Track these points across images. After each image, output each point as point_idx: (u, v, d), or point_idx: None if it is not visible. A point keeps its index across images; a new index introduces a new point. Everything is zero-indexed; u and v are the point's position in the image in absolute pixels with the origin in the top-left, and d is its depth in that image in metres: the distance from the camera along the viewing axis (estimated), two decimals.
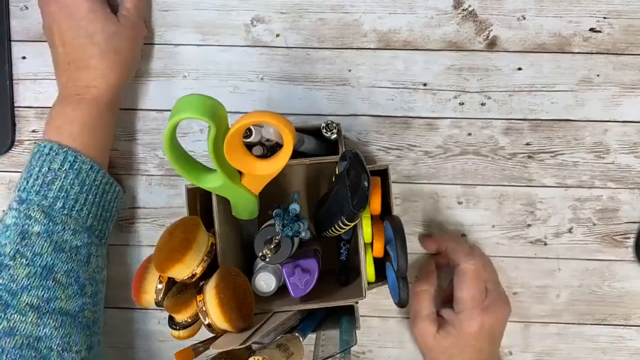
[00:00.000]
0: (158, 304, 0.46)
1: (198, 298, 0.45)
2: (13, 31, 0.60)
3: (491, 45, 0.59)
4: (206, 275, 0.46)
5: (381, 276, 0.53)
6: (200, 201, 0.52)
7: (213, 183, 0.44)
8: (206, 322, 0.45)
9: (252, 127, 0.46)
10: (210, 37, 0.59)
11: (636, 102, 0.59)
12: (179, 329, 0.47)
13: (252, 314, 0.46)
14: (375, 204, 0.50)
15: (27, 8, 0.59)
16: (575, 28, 0.58)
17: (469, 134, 0.59)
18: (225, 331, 0.45)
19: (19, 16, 0.60)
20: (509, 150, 0.59)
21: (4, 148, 0.60)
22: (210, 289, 0.44)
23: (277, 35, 0.59)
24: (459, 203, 0.60)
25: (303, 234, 0.49)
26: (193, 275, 0.45)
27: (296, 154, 0.45)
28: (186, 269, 0.44)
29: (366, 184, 0.43)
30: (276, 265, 0.50)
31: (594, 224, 0.60)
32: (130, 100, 0.60)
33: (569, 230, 0.60)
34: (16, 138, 0.60)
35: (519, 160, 0.59)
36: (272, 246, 0.47)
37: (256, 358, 0.41)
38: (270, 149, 0.49)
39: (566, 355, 0.61)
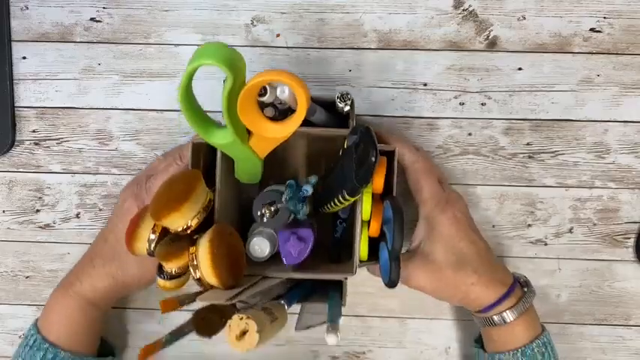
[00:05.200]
0: (150, 253, 0.46)
1: (191, 250, 0.44)
2: (14, 31, 0.60)
3: (492, 45, 0.59)
4: (200, 230, 0.46)
5: (373, 257, 0.52)
6: (204, 160, 0.51)
7: (222, 139, 0.44)
8: (196, 276, 0.44)
9: (267, 87, 0.45)
10: (210, 37, 0.59)
11: (636, 102, 0.59)
12: (167, 279, 0.46)
13: (242, 274, 0.46)
14: (379, 182, 0.50)
15: (27, 8, 0.59)
16: (576, 28, 0.58)
17: (469, 134, 0.59)
18: (212, 287, 0.45)
19: (20, 16, 0.60)
20: (509, 150, 0.59)
21: (4, 148, 0.60)
22: (204, 243, 0.44)
23: (277, 35, 0.59)
24: None
25: (299, 216, 0.48)
26: (188, 227, 0.45)
27: (305, 123, 0.44)
28: (181, 220, 0.44)
29: (373, 159, 0.43)
30: (271, 232, 0.50)
31: (595, 224, 0.60)
32: (130, 100, 0.60)
33: (570, 230, 0.60)
34: (16, 138, 0.60)
35: (520, 160, 0.59)
36: (272, 209, 0.47)
37: (241, 316, 0.41)
38: (282, 113, 0.48)
39: (566, 355, 0.61)
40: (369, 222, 0.51)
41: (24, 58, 0.60)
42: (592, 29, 0.58)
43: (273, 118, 0.46)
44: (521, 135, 0.59)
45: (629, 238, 0.60)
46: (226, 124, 0.42)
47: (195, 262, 0.44)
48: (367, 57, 0.59)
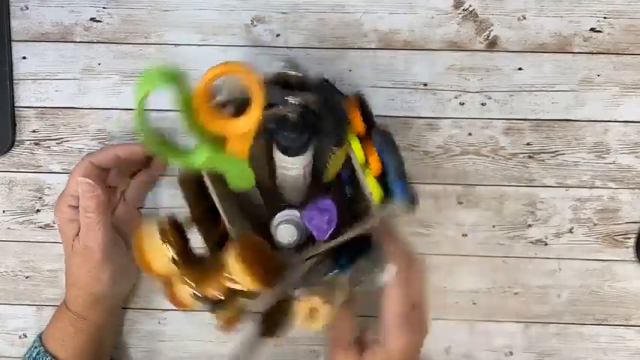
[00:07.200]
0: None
1: (223, 272, 0.45)
2: (14, 31, 0.60)
3: (492, 45, 0.59)
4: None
5: (387, 199, 0.50)
6: (197, 193, 0.51)
7: (201, 157, 0.42)
8: (238, 288, 0.44)
9: (218, 85, 0.43)
10: (210, 37, 0.59)
11: (637, 102, 0.59)
12: (217, 308, 0.46)
13: (276, 267, 0.46)
14: (357, 122, 0.48)
15: (27, 8, 0.59)
16: (576, 28, 0.58)
17: (469, 134, 0.59)
18: (258, 294, 0.45)
19: (20, 16, 0.60)
20: (509, 150, 0.59)
21: (4, 148, 0.60)
22: (232, 258, 0.44)
23: (277, 35, 0.59)
24: (459, 203, 0.60)
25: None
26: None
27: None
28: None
29: (342, 108, 0.45)
30: (294, 216, 0.50)
31: (595, 224, 0.60)
32: (130, 100, 0.60)
33: (570, 230, 0.60)
34: (16, 138, 0.60)
35: (520, 160, 0.59)
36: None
37: (301, 299, 0.40)
38: (243, 105, 0.48)
39: (566, 355, 0.61)
40: (367, 163, 0.49)
41: (24, 58, 0.60)
42: (592, 29, 0.58)
43: (237, 114, 0.44)
44: (522, 135, 0.59)
45: (630, 238, 0.60)
46: (197, 141, 0.41)
47: (231, 278, 0.44)
48: (367, 57, 0.59)
